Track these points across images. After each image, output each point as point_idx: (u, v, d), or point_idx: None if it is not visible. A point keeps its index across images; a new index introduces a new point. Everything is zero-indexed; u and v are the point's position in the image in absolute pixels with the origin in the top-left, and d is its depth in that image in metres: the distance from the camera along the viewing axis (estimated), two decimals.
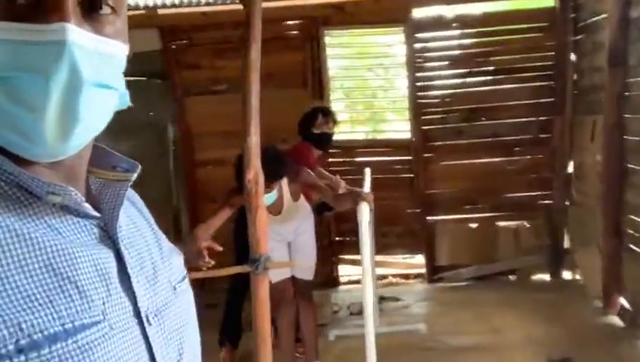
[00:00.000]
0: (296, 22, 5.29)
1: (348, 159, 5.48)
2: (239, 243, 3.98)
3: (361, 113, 6.09)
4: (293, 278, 3.61)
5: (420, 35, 5.22)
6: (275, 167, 2.99)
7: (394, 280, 5.54)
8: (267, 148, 3.06)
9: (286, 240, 3.59)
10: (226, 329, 3.95)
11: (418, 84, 5.27)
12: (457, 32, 5.22)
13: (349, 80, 5.70)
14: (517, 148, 5.27)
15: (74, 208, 0.58)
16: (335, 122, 4.10)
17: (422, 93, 5.30)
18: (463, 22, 5.24)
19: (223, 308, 3.99)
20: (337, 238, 5.54)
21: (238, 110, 5.27)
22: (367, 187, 3.32)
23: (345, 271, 5.64)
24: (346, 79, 5.69)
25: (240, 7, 5.10)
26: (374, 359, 2.59)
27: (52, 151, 0.55)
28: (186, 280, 0.74)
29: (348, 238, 5.55)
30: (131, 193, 0.73)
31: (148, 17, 5.28)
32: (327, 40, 5.33)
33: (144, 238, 0.69)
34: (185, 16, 5.28)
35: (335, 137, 5.41)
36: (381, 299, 5.06)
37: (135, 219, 0.70)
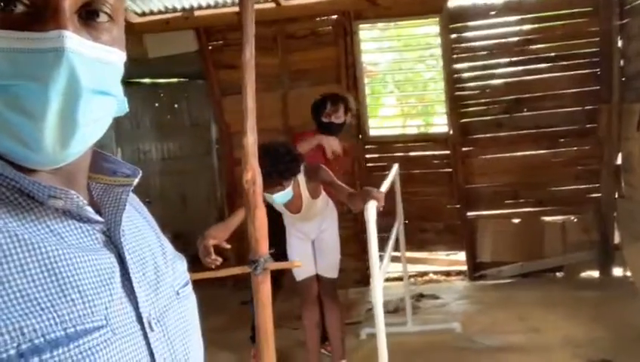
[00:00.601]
0: (330, 17, 5.23)
1: (385, 154, 5.39)
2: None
3: (397, 107, 5.98)
4: (317, 276, 3.60)
5: (456, 25, 5.07)
6: (287, 165, 2.96)
7: (435, 277, 5.42)
8: (279, 146, 3.05)
9: (309, 238, 3.57)
10: (255, 327, 3.96)
11: (455, 75, 5.13)
12: (495, 20, 5.03)
13: (383, 74, 5.60)
14: (562, 140, 5.04)
15: (76, 212, 0.59)
16: (348, 110, 3.97)
17: (459, 85, 5.15)
18: (502, 9, 5.04)
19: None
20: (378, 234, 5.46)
21: (274, 107, 5.35)
22: (385, 185, 3.24)
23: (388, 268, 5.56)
24: (380, 74, 5.60)
25: (272, 5, 5.17)
26: (386, 359, 2.52)
27: (52, 159, 0.55)
28: (189, 285, 0.75)
29: (385, 234, 5.47)
30: (134, 199, 0.74)
31: (185, 19, 5.38)
32: (360, 34, 5.26)
33: (147, 243, 0.69)
34: (219, 17, 5.33)
35: (372, 133, 5.40)
36: (420, 297, 4.97)
37: (138, 224, 0.70)
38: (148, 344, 0.61)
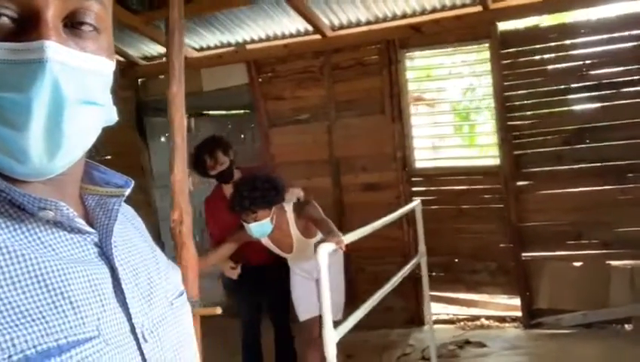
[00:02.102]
0: (375, 47, 5.09)
1: (432, 188, 5.10)
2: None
3: (445, 137, 5.65)
4: (320, 317, 3.42)
5: (508, 51, 4.70)
6: (264, 193, 2.85)
7: (486, 322, 4.98)
8: (260, 173, 2.96)
9: (313, 277, 3.41)
10: None
11: (507, 104, 4.74)
12: (552, 43, 4.60)
13: (430, 104, 5.33)
14: (630, 175, 4.46)
15: (67, 224, 0.58)
16: (227, 149, 3.68)
17: (512, 114, 4.75)
18: (559, 32, 4.61)
19: (242, 345, 3.88)
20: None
21: (319, 139, 5.28)
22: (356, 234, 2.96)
23: (433, 310, 5.20)
24: (427, 103, 5.32)
25: (318, 36, 5.13)
26: None
27: (39, 170, 0.55)
28: (184, 295, 0.75)
29: (435, 273, 5.14)
30: (128, 209, 0.74)
31: (235, 53, 5.49)
32: (406, 63, 5.06)
33: (140, 254, 0.68)
34: (268, 50, 5.39)
35: (418, 165, 5.12)
36: (464, 344, 4.59)
37: (131, 235, 0.70)
38: (142, 355, 0.60)
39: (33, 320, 0.51)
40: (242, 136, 7.13)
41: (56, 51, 0.53)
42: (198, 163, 3.58)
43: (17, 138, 0.53)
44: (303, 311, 3.42)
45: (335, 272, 3.40)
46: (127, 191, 0.67)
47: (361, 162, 5.22)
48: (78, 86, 0.55)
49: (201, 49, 5.67)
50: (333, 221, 5.23)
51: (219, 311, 2.16)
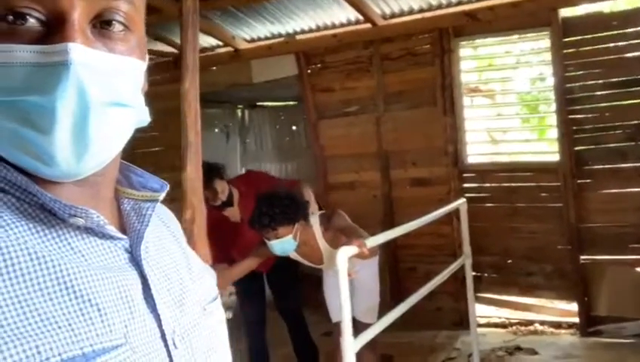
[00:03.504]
0: (427, 35, 4.87)
1: (485, 184, 4.85)
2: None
3: (501, 131, 5.35)
4: (354, 320, 3.31)
5: (569, 39, 4.38)
6: (284, 210, 2.75)
7: (540, 328, 4.70)
8: (281, 190, 2.85)
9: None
10: None
11: (568, 96, 4.43)
12: (617, 31, 4.25)
13: (485, 95, 5.05)
14: None
15: (98, 230, 0.59)
16: (219, 175, 3.50)
17: (574, 108, 4.44)
18: (625, 19, 4.25)
19: (247, 345, 3.82)
20: (475, 273, 4.91)
21: (368, 132, 5.15)
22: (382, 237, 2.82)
23: (484, 312, 4.97)
24: (482, 95, 5.06)
25: (368, 25, 4.97)
26: None
27: (66, 172, 0.55)
28: (217, 301, 0.74)
29: (486, 274, 4.91)
30: (165, 212, 0.74)
31: (285, 44, 5.41)
32: (460, 52, 4.81)
33: (172, 259, 0.68)
34: (318, 40, 5.28)
35: (470, 160, 4.89)
36: (515, 350, 4.36)
37: (164, 239, 0.69)
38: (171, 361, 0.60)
39: (59, 327, 0.51)
40: (294, 127, 7.08)
41: (81, 53, 0.52)
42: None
43: (43, 141, 0.53)
44: (336, 312, 3.32)
45: (369, 275, 3.28)
46: (162, 196, 0.67)
47: (410, 156, 5.04)
48: (105, 88, 0.54)
49: (252, 40, 5.62)
50: (380, 216, 5.15)
51: (229, 315, 2.08)
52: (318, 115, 5.41)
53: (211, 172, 3.41)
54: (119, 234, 0.61)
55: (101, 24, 0.56)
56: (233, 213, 3.59)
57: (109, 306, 0.56)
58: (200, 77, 5.94)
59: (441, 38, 4.78)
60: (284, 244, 2.84)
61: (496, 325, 4.87)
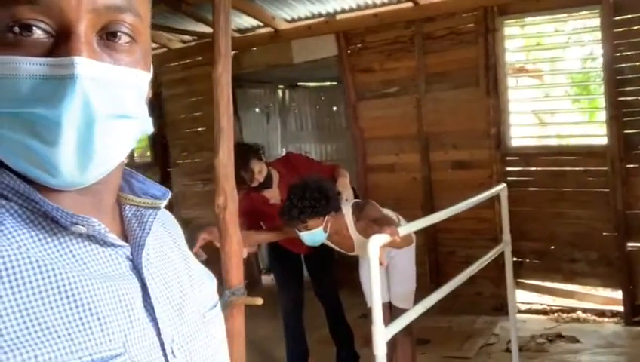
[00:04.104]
0: (471, 14, 4.73)
1: (529, 168, 4.72)
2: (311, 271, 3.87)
3: (546, 113, 5.17)
4: (390, 305, 3.29)
5: (620, 18, 4.18)
6: (313, 203, 2.72)
7: (583, 315, 4.58)
8: (311, 182, 2.82)
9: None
10: (290, 356, 3.82)
11: (619, 77, 4.24)
12: None
13: (530, 77, 4.89)
14: None
15: (99, 238, 0.59)
16: (259, 154, 3.45)
17: (623, 89, 4.25)
18: None
19: (284, 327, 3.84)
20: (517, 259, 4.82)
21: (408, 113, 5.07)
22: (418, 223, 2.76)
23: (525, 298, 4.88)
24: (526, 76, 4.89)
25: (410, 4, 4.86)
26: None
27: (70, 182, 0.56)
28: (217, 307, 0.75)
29: (529, 260, 4.81)
30: (167, 217, 0.75)
31: (325, 24, 5.35)
32: (505, 31, 4.66)
33: (173, 266, 0.69)
34: (358, 20, 5.20)
35: (514, 143, 4.76)
36: (556, 337, 4.26)
37: (165, 246, 0.70)
38: None
39: (59, 337, 0.52)
40: (334, 108, 7.03)
41: (87, 67, 0.52)
42: (237, 181, 3.32)
43: (48, 152, 0.53)
44: (370, 297, 3.31)
45: (405, 261, 3.24)
46: (163, 204, 0.67)
47: (451, 138, 4.94)
48: (109, 100, 0.54)
49: (292, 20, 5.58)
50: (420, 199, 5.08)
51: (260, 301, 2.10)
52: (358, 96, 5.34)
53: (248, 152, 3.40)
54: (120, 242, 0.61)
55: (107, 36, 0.56)
56: (273, 195, 3.58)
57: (109, 315, 0.56)
58: (240, 58, 6.00)
59: (485, 16, 4.64)
60: (314, 236, 2.82)
61: (537, 312, 4.77)
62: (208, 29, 5.58)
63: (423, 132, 5.04)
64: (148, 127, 0.62)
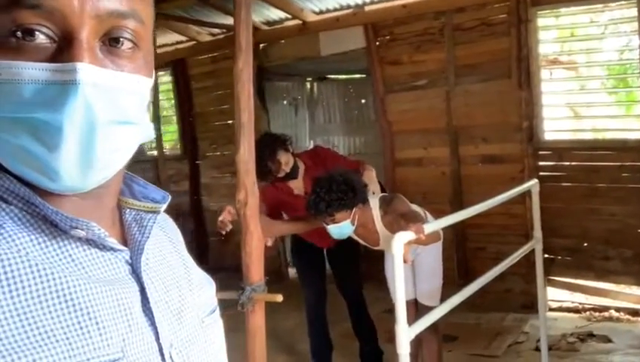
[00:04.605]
0: (503, 4, 4.61)
1: (562, 163, 4.59)
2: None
3: (581, 106, 5.01)
4: (416, 302, 3.25)
5: None
6: (340, 195, 2.68)
7: (616, 314, 4.45)
8: (337, 174, 2.78)
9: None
10: (314, 350, 3.80)
11: None
12: None
13: (564, 68, 4.74)
14: None
15: (99, 242, 0.60)
16: (285, 146, 3.42)
17: None
18: None
19: (307, 320, 3.82)
20: (548, 256, 4.70)
21: (437, 106, 5.00)
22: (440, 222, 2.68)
23: (557, 296, 4.77)
24: (560, 68, 4.75)
25: None
26: None
27: (71, 188, 0.56)
28: (217, 312, 0.75)
29: (560, 257, 4.69)
30: (166, 221, 0.75)
31: (353, 16, 5.30)
32: (538, 22, 4.53)
33: (172, 270, 0.69)
34: (387, 11, 5.13)
35: (547, 137, 4.65)
36: (587, 336, 4.16)
37: (164, 250, 0.70)
38: None
39: (57, 341, 0.52)
40: (363, 101, 6.96)
41: (89, 73, 0.53)
42: (263, 171, 3.25)
43: (49, 157, 0.53)
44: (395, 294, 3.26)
45: (431, 258, 3.18)
46: (163, 208, 0.67)
47: (481, 132, 4.84)
48: (111, 106, 0.54)
49: (320, 12, 5.53)
50: (449, 193, 5.00)
51: (280, 298, 2.07)
52: (386, 88, 5.27)
53: (275, 143, 3.40)
54: (120, 246, 0.61)
55: (110, 41, 0.56)
56: (297, 186, 3.57)
57: (108, 320, 0.56)
58: (268, 50, 5.98)
59: (517, 6, 4.52)
60: (341, 229, 2.79)
61: (568, 310, 4.66)
62: None
63: (452, 125, 4.96)
64: (149, 133, 0.62)
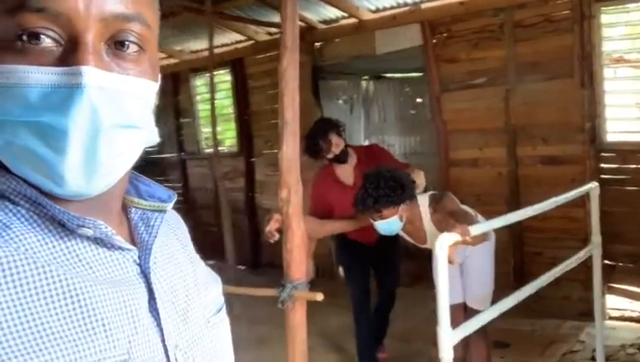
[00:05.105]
0: (564, 0, 4.45)
1: (626, 165, 4.38)
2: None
3: None
4: (465, 306, 3.17)
5: None
6: (388, 192, 2.65)
7: None
8: (385, 171, 2.75)
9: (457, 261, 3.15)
10: (360, 348, 3.80)
11: None
12: None
13: (631, 67, 4.52)
14: None
15: (107, 241, 0.60)
16: (339, 130, 3.55)
17: None
18: None
19: (355, 325, 3.80)
20: (608, 262, 4.50)
21: (495, 105, 4.88)
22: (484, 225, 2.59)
23: (617, 304, 4.55)
24: (626, 66, 4.53)
25: None
26: None
27: (76, 193, 0.56)
28: (223, 311, 0.75)
29: (622, 264, 4.48)
30: (173, 218, 0.75)
31: (410, 13, 5.23)
32: (602, 18, 4.34)
33: (179, 269, 0.69)
34: (444, 8, 5.03)
35: (610, 138, 4.45)
36: None
37: (172, 248, 0.70)
38: None
39: (63, 343, 0.52)
40: (419, 100, 6.87)
41: (94, 76, 0.53)
42: (313, 148, 3.54)
43: (55, 161, 0.53)
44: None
45: (481, 261, 3.10)
46: (169, 206, 0.68)
47: (541, 132, 4.68)
48: (116, 110, 0.55)
49: (376, 10, 5.49)
50: (506, 195, 4.86)
51: (320, 297, 2.06)
52: (442, 87, 5.18)
53: (329, 125, 3.62)
54: (127, 245, 0.61)
55: (115, 45, 0.56)
56: (346, 174, 3.65)
57: (114, 321, 0.56)
58: (324, 49, 5.99)
59: (581, 2, 4.34)
60: (389, 225, 2.77)
61: (629, 319, 4.45)
62: None
63: (510, 125, 4.82)
64: (154, 137, 0.62)
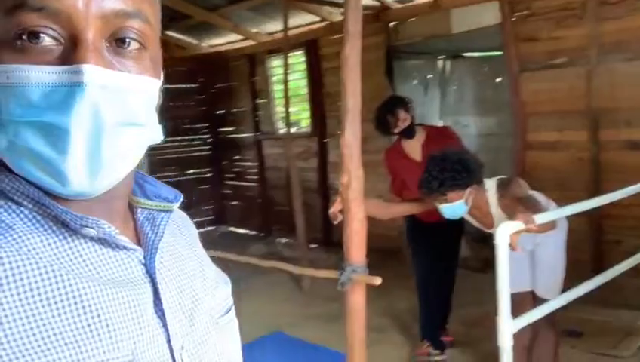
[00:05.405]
0: None
1: None
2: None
3: None
4: (533, 294, 3.10)
5: None
6: (454, 175, 2.60)
7: None
8: (451, 153, 2.70)
9: (526, 248, 3.08)
10: (425, 326, 3.80)
11: None
12: None
13: None
14: None
15: (111, 241, 0.59)
16: (408, 105, 3.65)
17: None
18: None
19: (419, 304, 3.82)
20: None
21: (576, 86, 4.70)
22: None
23: None
24: None
25: None
26: None
27: (80, 192, 0.56)
28: (232, 311, 0.75)
29: None
30: (181, 218, 0.74)
31: None
32: None
33: (186, 270, 0.68)
34: None
35: None
36: None
37: (179, 249, 0.69)
38: None
39: (66, 344, 0.51)
40: (497, 80, 6.65)
41: (95, 75, 0.52)
42: (382, 122, 3.68)
43: (57, 160, 0.53)
44: (512, 283, 3.13)
45: (551, 250, 3.01)
46: (176, 206, 0.67)
47: (625, 115, 4.43)
48: (118, 108, 0.54)
49: None
50: (586, 181, 4.66)
51: (378, 281, 2.08)
52: (521, 67, 4.99)
53: (397, 100, 3.77)
54: (132, 245, 0.60)
55: (116, 42, 0.55)
56: (413, 148, 3.71)
57: (118, 322, 0.55)
58: (399, 28, 5.90)
59: None
60: (454, 209, 2.73)
61: None
62: (368, 1, 5.58)
63: (592, 107, 4.59)
64: (157, 135, 0.61)
